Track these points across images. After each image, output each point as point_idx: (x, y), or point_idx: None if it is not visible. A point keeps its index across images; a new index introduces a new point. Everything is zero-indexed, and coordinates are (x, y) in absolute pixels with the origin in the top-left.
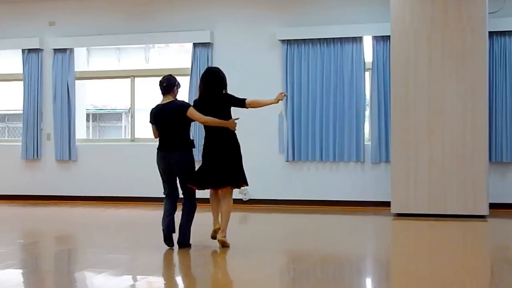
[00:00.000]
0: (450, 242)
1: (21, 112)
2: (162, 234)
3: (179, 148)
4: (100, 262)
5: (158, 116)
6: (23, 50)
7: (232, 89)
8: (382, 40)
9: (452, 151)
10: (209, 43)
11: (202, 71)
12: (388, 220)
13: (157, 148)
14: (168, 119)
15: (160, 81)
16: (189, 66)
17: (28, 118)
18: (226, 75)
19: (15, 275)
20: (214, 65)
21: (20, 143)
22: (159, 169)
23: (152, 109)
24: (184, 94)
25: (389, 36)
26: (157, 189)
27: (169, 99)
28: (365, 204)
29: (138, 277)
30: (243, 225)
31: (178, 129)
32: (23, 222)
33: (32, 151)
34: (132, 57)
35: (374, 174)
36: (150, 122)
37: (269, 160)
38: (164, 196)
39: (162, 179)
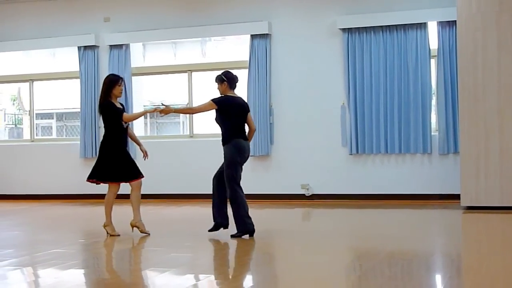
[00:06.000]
0: None
1: (79, 110)
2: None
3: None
4: (162, 261)
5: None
6: (79, 48)
7: (292, 81)
8: (447, 25)
9: None
10: (267, 34)
11: (260, 64)
12: (458, 214)
13: (240, 138)
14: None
15: (236, 76)
16: (247, 58)
17: (85, 116)
18: (286, 67)
19: (77, 275)
20: (272, 57)
21: (78, 142)
22: (241, 158)
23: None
24: (243, 88)
25: (455, 21)
26: None
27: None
28: (433, 198)
29: (201, 276)
30: (306, 221)
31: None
32: (84, 222)
33: (91, 150)
34: (189, 51)
35: (442, 166)
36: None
37: (332, 153)
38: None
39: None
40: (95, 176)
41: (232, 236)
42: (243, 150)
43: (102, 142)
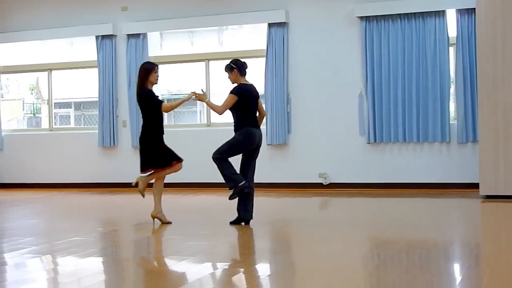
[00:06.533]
0: None
1: (97, 99)
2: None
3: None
4: (180, 250)
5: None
6: (96, 37)
7: (310, 70)
8: (466, 12)
9: None
10: (284, 22)
11: (277, 52)
12: (477, 203)
13: (253, 126)
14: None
15: (244, 63)
16: (264, 47)
17: (103, 105)
18: (303, 55)
19: (96, 263)
20: (290, 46)
21: (97, 131)
22: (248, 147)
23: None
24: (260, 77)
25: (474, 8)
26: None
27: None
28: (451, 187)
29: (219, 264)
30: (324, 210)
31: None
32: (102, 210)
33: (109, 139)
34: (206, 40)
35: (461, 155)
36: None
37: (350, 142)
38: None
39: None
40: (151, 166)
41: (231, 197)
42: (254, 138)
43: (143, 132)
